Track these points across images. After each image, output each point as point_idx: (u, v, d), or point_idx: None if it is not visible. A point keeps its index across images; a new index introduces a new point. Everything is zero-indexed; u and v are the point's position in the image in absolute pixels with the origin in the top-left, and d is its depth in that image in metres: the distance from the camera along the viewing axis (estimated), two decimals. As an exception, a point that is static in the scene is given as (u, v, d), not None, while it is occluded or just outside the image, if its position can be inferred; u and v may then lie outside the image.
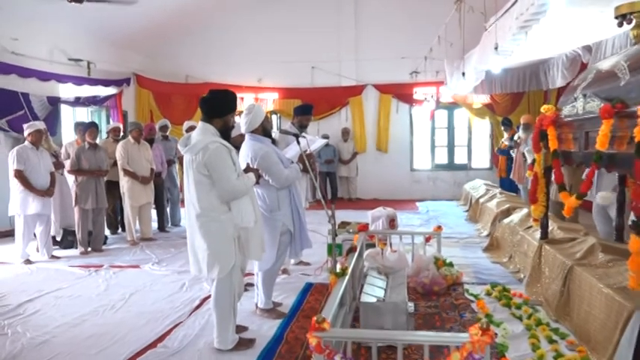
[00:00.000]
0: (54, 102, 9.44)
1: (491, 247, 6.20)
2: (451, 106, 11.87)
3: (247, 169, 3.53)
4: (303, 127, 5.44)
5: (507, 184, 9.41)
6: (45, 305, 4.49)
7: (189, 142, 3.28)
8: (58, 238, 7.06)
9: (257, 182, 3.53)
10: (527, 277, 4.56)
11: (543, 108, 4.29)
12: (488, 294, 4.45)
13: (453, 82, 7.87)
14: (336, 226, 5.98)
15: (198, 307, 4.37)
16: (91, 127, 6.66)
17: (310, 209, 10.41)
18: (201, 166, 3.19)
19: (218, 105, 3.34)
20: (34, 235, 6.35)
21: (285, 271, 5.33)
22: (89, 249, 6.69)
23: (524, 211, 6.08)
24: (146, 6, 10.06)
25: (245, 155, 3.94)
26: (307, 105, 5.63)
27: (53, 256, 6.37)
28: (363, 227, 5.06)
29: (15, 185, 6.03)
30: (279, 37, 11.97)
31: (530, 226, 5.39)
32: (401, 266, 4.77)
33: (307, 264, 5.75)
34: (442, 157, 12.36)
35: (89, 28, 10.21)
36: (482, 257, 5.93)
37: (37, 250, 6.42)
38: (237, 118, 4.45)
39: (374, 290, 3.79)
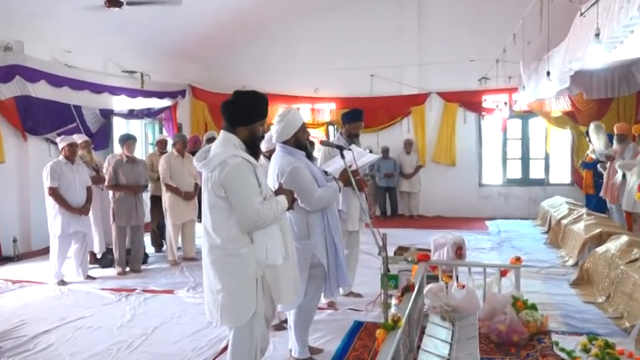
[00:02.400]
0: (107, 114, 9.32)
1: (581, 282, 5.15)
2: (526, 115, 10.70)
3: (279, 191, 2.84)
4: (352, 137, 4.70)
5: (594, 203, 8.21)
6: (60, 339, 4.01)
7: (207, 156, 2.65)
8: (99, 256, 6.74)
9: (290, 207, 2.82)
10: (637, 328, 3.55)
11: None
12: (586, 350, 3.47)
13: (531, 86, 6.87)
14: (393, 253, 5.23)
15: (224, 349, 3.71)
16: (128, 140, 6.25)
17: (366, 226, 9.69)
18: (217, 186, 2.54)
19: (244, 110, 2.69)
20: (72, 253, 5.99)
21: (331, 305, 4.60)
22: (127, 269, 6.27)
23: (624, 238, 5.00)
24: (201, 16, 9.79)
25: (272, 171, 3.28)
26: (356, 110, 4.88)
27: (89, 277, 5.99)
28: (424, 257, 4.22)
29: (49, 203, 5.70)
30: (337, 45, 11.34)
31: (635, 260, 4.35)
32: (470, 307, 3.91)
33: (359, 296, 4.98)
34: (515, 171, 11.16)
35: (144, 40, 10.07)
36: (570, 294, 4.90)
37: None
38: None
39: (436, 345, 2.98)
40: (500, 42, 8.00)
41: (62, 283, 5.74)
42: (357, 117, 4.83)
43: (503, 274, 4.32)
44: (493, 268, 4.42)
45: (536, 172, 11.03)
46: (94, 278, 5.99)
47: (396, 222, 10.21)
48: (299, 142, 3.36)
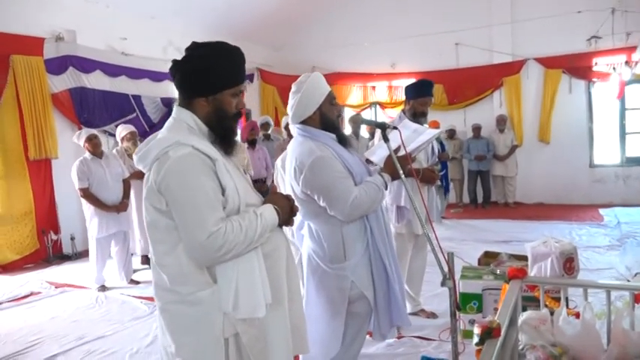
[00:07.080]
0: (168, 103, 8.89)
1: None
2: (651, 79, 8.77)
3: (269, 197, 1.80)
4: (419, 117, 3.59)
5: None
6: (63, 367, 3.40)
7: None
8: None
9: (285, 223, 1.81)
10: None
11: None
12: None
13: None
14: (477, 261, 4.07)
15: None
16: (167, 129, 5.57)
17: (452, 217, 8.44)
18: (153, 192, 1.63)
19: (202, 71, 1.70)
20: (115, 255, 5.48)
21: (393, 330, 3.58)
22: (175, 272, 5.65)
23: None
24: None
25: (289, 165, 2.31)
26: (424, 82, 3.77)
27: (132, 281, 5.45)
28: (518, 272, 3.03)
29: (85, 204, 5.20)
30: (415, 11, 10.09)
31: None
32: (588, 349, 2.71)
33: (432, 315, 3.91)
34: (637, 149, 9.24)
35: (206, 22, 9.49)
36: None
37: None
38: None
39: None
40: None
41: (103, 288, 5.23)
42: (425, 90, 3.71)
43: (638, 299, 3.01)
44: (622, 291, 3.12)
45: (664, 148, 9.07)
46: (137, 283, 5.44)
47: (488, 212, 8.84)
48: (326, 119, 2.36)
